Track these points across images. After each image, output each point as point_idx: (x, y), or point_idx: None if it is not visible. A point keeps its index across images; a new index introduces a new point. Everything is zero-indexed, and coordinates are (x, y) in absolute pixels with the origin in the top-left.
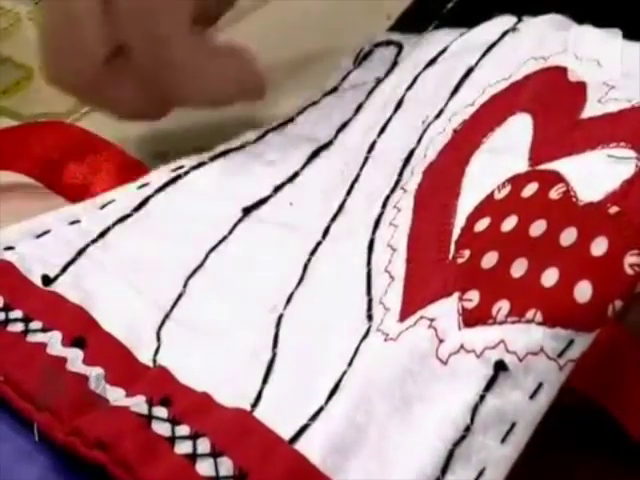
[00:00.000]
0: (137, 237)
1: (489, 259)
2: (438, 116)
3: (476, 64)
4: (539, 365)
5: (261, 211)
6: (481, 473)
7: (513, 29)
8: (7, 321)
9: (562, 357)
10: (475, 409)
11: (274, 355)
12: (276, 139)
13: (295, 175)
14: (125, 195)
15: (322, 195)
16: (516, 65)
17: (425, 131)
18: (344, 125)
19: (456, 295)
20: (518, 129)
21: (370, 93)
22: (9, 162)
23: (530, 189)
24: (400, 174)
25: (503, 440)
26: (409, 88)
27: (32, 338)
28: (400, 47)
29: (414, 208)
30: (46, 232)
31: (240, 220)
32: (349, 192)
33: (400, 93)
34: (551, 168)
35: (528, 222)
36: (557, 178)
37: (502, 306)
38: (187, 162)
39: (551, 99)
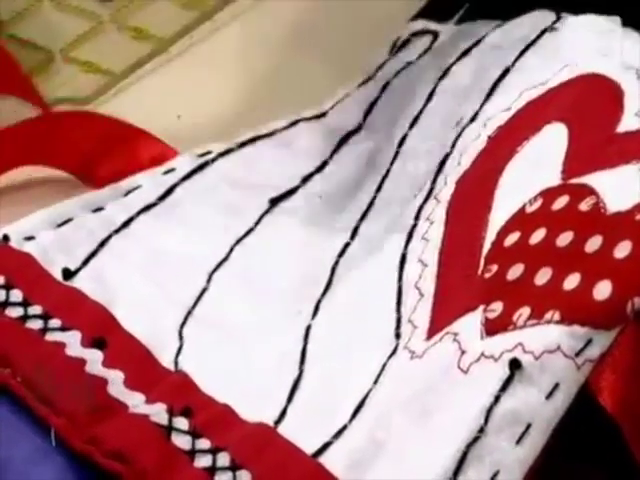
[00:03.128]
0: (161, 228)
1: (515, 271)
2: (473, 119)
3: (513, 64)
4: (556, 364)
5: (288, 203)
6: (495, 475)
7: (552, 28)
8: (26, 317)
9: (580, 356)
10: (489, 410)
11: (301, 372)
12: (306, 127)
13: (324, 164)
14: (150, 182)
15: (351, 188)
16: (553, 70)
17: (459, 135)
18: (371, 106)
19: (481, 308)
20: (553, 140)
21: (398, 72)
22: (42, 156)
23: (561, 202)
24: (433, 181)
25: (518, 442)
26: (442, 78)
27: (51, 337)
28: (436, 35)
29: (446, 221)
30: (68, 220)
31: (267, 211)
32: (379, 189)
33: (432, 83)
34: (583, 182)
35: (556, 233)
36: (588, 191)
37: (523, 312)
38: (215, 147)
39: (588, 109)
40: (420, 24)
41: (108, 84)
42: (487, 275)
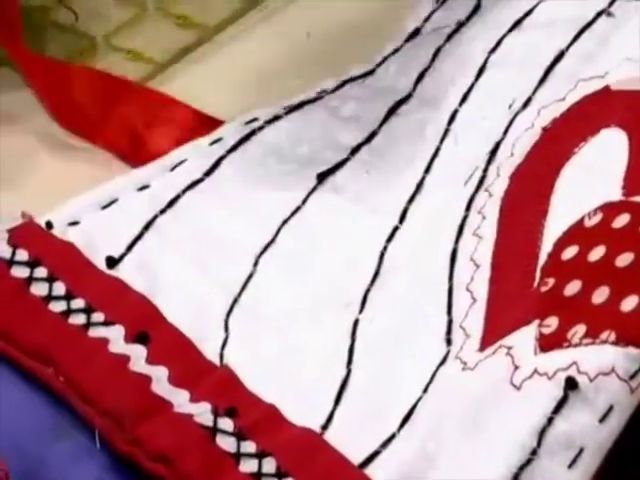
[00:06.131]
0: (207, 207)
1: (572, 287)
2: (526, 105)
3: (567, 48)
4: (610, 386)
5: (336, 178)
6: None
7: (608, 13)
8: (69, 311)
9: (634, 379)
10: (542, 432)
11: (349, 372)
12: (355, 91)
13: (373, 135)
14: (196, 154)
15: (400, 163)
16: (611, 63)
17: (512, 122)
18: (422, 74)
19: (535, 323)
20: (613, 147)
21: (450, 37)
22: (94, 133)
23: (621, 220)
24: (485, 170)
25: (570, 466)
26: (492, 51)
27: (94, 333)
28: None
29: (499, 220)
30: (113, 201)
31: (314, 189)
32: (428, 169)
33: (483, 56)
34: None
35: (616, 253)
36: None
37: (578, 330)
38: (262, 114)
39: None
40: None
41: (152, 73)
42: (543, 289)
